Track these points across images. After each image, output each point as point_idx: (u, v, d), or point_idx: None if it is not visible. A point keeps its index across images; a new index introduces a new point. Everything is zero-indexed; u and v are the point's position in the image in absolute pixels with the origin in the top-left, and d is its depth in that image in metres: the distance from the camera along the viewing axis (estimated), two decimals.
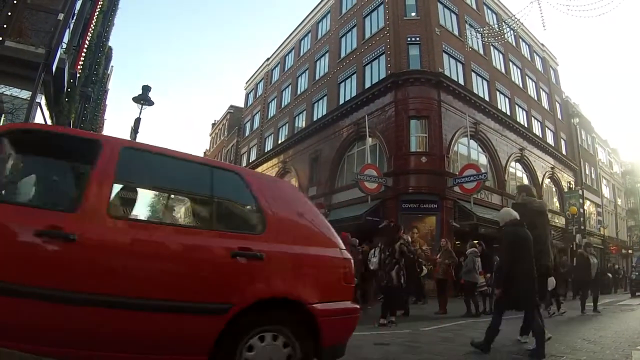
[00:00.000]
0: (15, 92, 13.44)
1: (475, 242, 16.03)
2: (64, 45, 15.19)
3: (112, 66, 42.35)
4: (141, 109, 18.17)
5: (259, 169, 44.55)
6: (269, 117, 47.78)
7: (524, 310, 7.38)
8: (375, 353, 7.00)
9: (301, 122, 39.67)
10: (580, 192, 36.54)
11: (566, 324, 12.11)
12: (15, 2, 13.10)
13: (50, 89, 14.73)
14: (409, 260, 13.73)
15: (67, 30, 15.43)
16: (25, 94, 12.96)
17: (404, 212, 25.04)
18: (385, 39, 30.20)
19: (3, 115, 13.45)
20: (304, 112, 39.26)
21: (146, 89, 18.15)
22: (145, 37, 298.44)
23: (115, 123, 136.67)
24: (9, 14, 12.86)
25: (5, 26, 12.69)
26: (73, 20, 16.43)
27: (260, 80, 52.39)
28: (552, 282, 11.83)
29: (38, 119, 14.28)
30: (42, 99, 14.07)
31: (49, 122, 16.60)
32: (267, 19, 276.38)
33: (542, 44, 44.43)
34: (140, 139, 19.78)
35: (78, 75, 18.66)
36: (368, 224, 23.53)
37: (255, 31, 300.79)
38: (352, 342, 7.30)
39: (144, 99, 18.04)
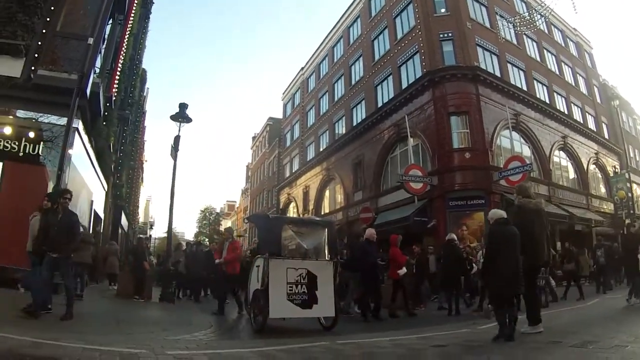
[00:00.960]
0: (53, 119, 13.90)
1: None
2: (97, 70, 15.65)
3: (148, 88, 43.00)
4: (180, 127, 18.27)
5: (303, 178, 45.41)
6: (309, 125, 48.17)
7: (508, 300, 7.75)
8: (436, 356, 7.08)
9: (341, 129, 39.89)
10: (627, 175, 35.84)
11: (626, 314, 11.77)
12: (44, 31, 13.54)
13: (87, 113, 15.14)
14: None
15: (99, 55, 15.93)
16: (63, 121, 13.32)
17: (452, 209, 25.07)
18: (418, 38, 30.26)
19: (42, 142, 13.88)
20: (343, 118, 39.48)
21: (183, 106, 18.22)
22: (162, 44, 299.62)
23: (155, 142, 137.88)
24: (39, 43, 13.30)
25: (36, 55, 13.14)
26: (104, 45, 16.99)
27: (297, 90, 52.84)
28: None
29: (77, 144, 14.74)
30: (79, 124, 14.44)
31: (88, 146, 17.10)
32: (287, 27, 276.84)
33: (574, 29, 43.81)
34: (181, 155, 20.26)
35: (114, 98, 19.17)
36: (416, 225, 23.66)
37: (280, 39, 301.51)
38: (410, 346, 7.77)
39: (181, 116, 18.13)
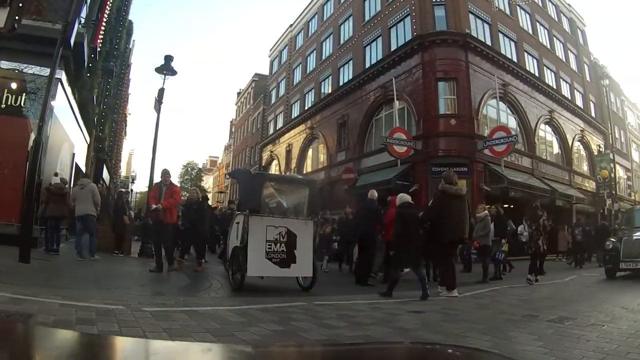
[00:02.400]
0: (36, 70, 13.74)
1: (488, 206, 16.35)
2: (82, 20, 15.30)
3: (134, 40, 42.63)
4: (164, 79, 17.94)
5: (287, 136, 45.22)
6: (295, 83, 47.53)
7: (412, 268, 10.31)
8: (412, 321, 6.93)
9: (327, 88, 39.40)
10: (611, 155, 35.73)
11: (603, 291, 11.90)
12: None
13: (71, 64, 14.97)
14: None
15: (85, 5, 15.65)
16: (46, 72, 13.01)
17: (434, 175, 24.42)
18: (410, 0, 29.56)
19: (25, 94, 13.69)
20: (330, 77, 38.95)
21: (168, 58, 17.93)
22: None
23: (140, 97, 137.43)
24: None
25: (21, 5, 12.73)
26: None
27: (284, 47, 51.95)
28: None
29: (59, 95, 14.50)
30: (62, 75, 14.21)
31: (71, 98, 16.84)
32: None
33: (568, 4, 43.05)
34: (165, 109, 20.16)
35: (99, 49, 18.94)
36: (397, 188, 23.39)
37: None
38: (388, 310, 7.83)
39: (166, 68, 17.81)
